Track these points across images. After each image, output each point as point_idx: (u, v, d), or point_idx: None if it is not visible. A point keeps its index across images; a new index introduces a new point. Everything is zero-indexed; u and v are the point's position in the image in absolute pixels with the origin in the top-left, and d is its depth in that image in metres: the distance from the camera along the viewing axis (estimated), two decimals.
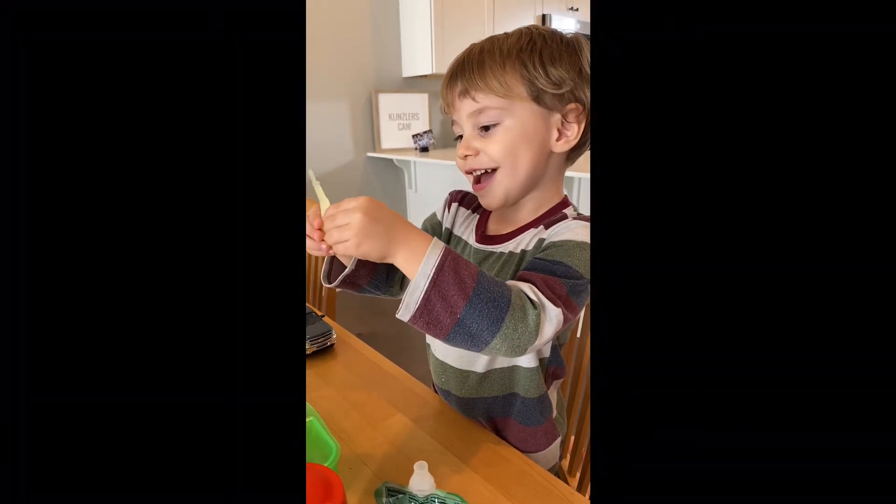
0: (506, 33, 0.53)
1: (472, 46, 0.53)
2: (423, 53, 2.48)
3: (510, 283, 0.44)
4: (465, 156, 0.53)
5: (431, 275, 0.39)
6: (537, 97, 0.50)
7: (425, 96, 2.71)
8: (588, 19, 3.27)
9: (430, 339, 0.65)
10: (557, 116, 0.52)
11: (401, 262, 0.41)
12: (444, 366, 0.62)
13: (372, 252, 0.41)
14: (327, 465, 0.43)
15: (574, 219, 0.53)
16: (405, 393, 0.66)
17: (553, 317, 0.42)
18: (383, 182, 2.73)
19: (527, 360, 0.58)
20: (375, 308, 2.32)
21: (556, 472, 0.66)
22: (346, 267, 0.53)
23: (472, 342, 0.41)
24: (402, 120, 2.65)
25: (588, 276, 0.47)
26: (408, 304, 0.40)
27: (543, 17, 2.94)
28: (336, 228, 0.41)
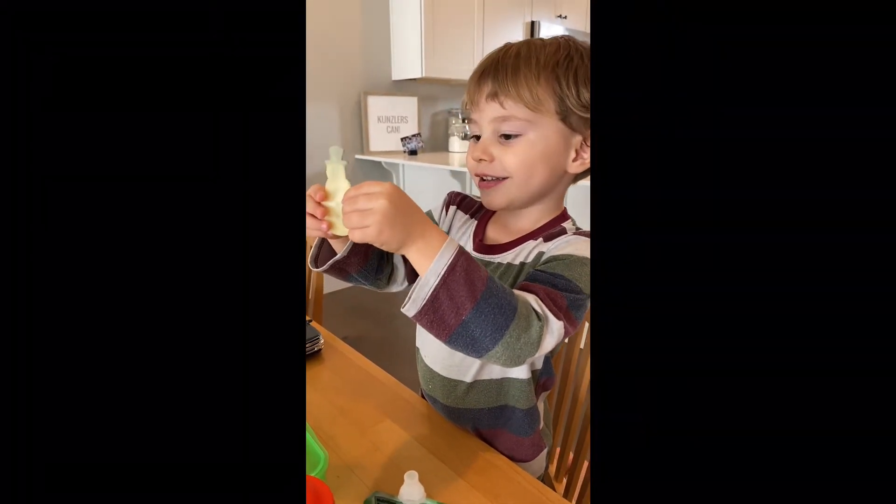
0: (542, 40, 0.51)
1: (508, 47, 0.51)
2: (413, 57, 2.48)
3: (516, 292, 0.43)
4: (480, 160, 0.51)
5: (443, 273, 0.39)
6: (564, 116, 0.49)
7: (414, 99, 2.70)
8: (576, 27, 3.31)
9: (419, 343, 0.65)
10: (579, 138, 0.51)
11: (414, 254, 0.40)
12: (431, 373, 0.62)
13: (391, 241, 0.39)
14: (315, 475, 0.42)
15: (574, 233, 0.53)
16: (393, 399, 0.65)
17: (555, 329, 0.42)
18: None
19: (520, 372, 0.57)
20: (362, 311, 2.30)
21: (543, 479, 0.66)
22: (334, 251, 0.52)
23: (473, 347, 0.40)
24: (391, 123, 2.65)
25: (588, 291, 0.47)
26: (415, 300, 0.39)
27: (532, 23, 2.96)
28: (357, 213, 0.38)
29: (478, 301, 0.39)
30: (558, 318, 0.43)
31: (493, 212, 0.61)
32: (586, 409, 0.71)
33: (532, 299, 0.43)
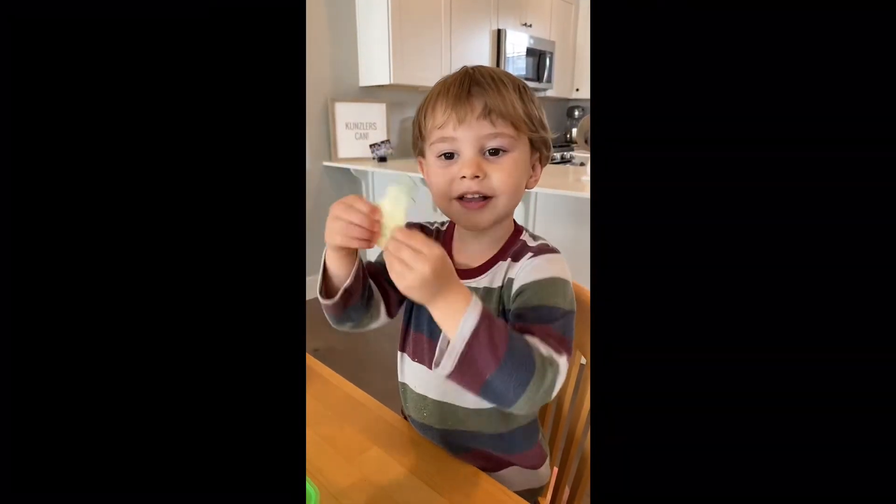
0: (489, 68, 0.53)
1: (474, 71, 0.52)
2: (381, 63, 2.46)
3: (528, 339, 0.45)
4: (475, 176, 0.50)
5: (468, 338, 0.41)
6: (531, 136, 0.52)
7: (383, 106, 2.68)
8: (540, 35, 3.37)
9: (404, 378, 0.64)
10: (536, 156, 0.55)
11: (437, 314, 0.43)
12: (425, 400, 0.61)
13: (416, 297, 0.42)
14: None
15: (532, 247, 0.55)
16: (377, 423, 0.64)
17: (562, 370, 0.44)
18: (340, 192, 2.68)
19: None
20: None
21: (545, 487, 0.67)
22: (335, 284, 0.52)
23: (500, 401, 0.43)
24: (360, 129, 2.62)
25: (568, 306, 0.49)
26: (444, 366, 0.42)
27: (499, 31, 3.00)
28: (398, 262, 0.41)
29: (500, 362, 0.41)
30: (561, 355, 0.45)
31: (453, 237, 0.61)
32: (570, 423, 0.72)
33: (538, 343, 0.44)
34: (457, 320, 0.41)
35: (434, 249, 0.41)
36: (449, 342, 0.42)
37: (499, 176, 0.51)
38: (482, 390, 0.42)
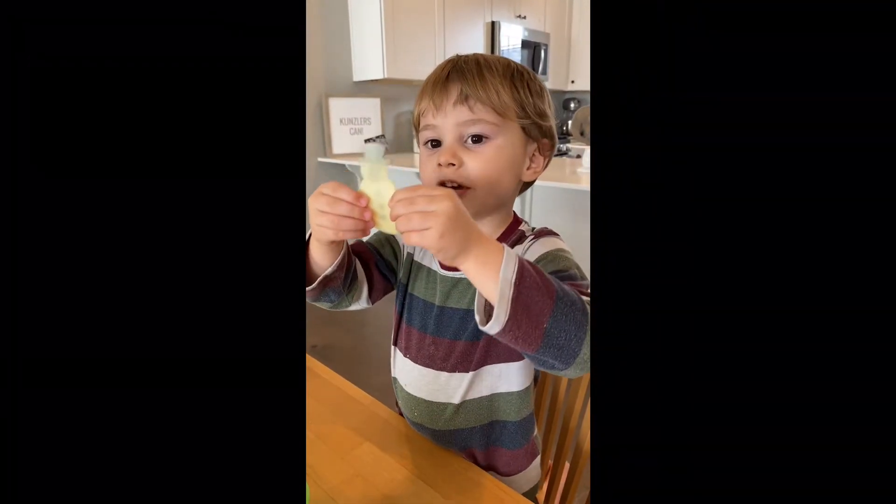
0: (484, 55, 0.52)
1: (461, 58, 0.52)
2: (374, 58, 2.44)
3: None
4: (450, 164, 0.49)
5: (513, 280, 0.36)
6: (524, 123, 0.51)
7: (377, 101, 2.67)
8: (535, 27, 3.35)
9: (396, 374, 0.63)
10: (534, 146, 0.53)
11: (472, 263, 0.37)
12: (415, 400, 0.60)
13: (451, 247, 0.36)
14: None
15: (533, 236, 0.54)
16: (371, 418, 0.64)
17: None
18: None
19: (512, 385, 0.57)
20: (329, 319, 2.26)
21: (538, 486, 0.66)
22: (313, 272, 0.50)
23: (561, 354, 0.37)
24: (354, 124, 2.60)
25: (582, 276, 0.47)
26: (497, 317, 0.36)
27: (493, 23, 2.98)
28: (418, 214, 0.36)
29: (555, 301, 0.36)
30: None
31: None
32: (565, 415, 0.72)
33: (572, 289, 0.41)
34: (496, 266, 0.36)
35: (446, 188, 0.37)
36: (485, 301, 0.38)
37: (476, 164, 0.49)
38: (544, 342, 0.36)
